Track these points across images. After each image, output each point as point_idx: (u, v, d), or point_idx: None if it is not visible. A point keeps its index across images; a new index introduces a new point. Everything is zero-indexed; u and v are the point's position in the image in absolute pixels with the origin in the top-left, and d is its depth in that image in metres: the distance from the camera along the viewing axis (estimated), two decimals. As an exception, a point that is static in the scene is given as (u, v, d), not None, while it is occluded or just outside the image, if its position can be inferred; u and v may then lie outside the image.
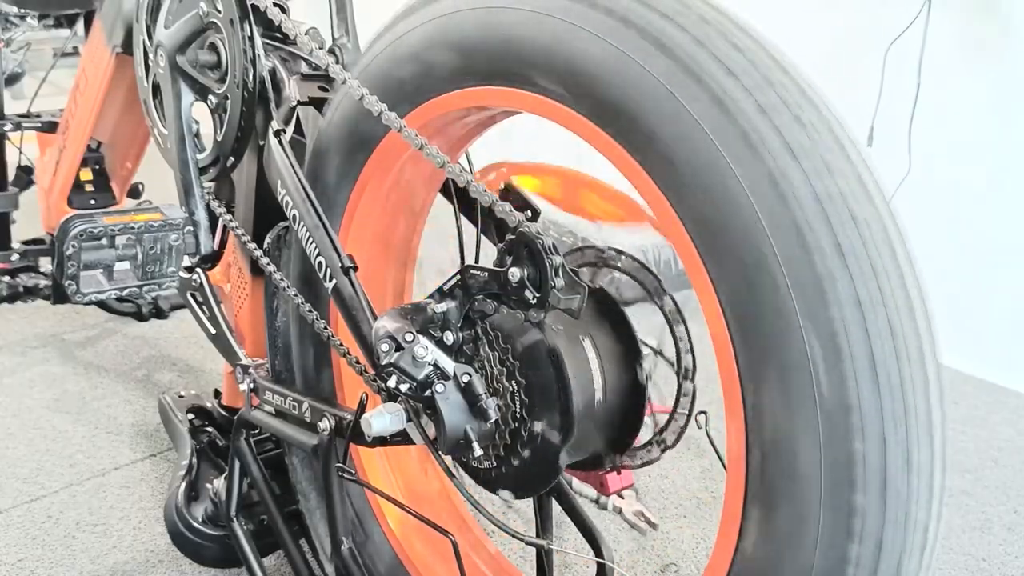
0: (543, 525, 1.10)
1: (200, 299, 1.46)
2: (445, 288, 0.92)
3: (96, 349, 2.43)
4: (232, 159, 1.32)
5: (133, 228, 1.81)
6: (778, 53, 0.80)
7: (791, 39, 1.01)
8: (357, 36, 1.45)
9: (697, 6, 0.81)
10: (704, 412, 1.00)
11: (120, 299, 2.13)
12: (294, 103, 1.31)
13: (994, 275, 2.55)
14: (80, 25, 2.28)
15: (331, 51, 1.42)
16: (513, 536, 0.95)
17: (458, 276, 0.91)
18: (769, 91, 0.76)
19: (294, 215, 1.11)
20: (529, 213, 1.13)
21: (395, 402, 0.97)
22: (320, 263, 1.05)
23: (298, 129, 1.31)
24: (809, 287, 0.70)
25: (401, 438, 0.98)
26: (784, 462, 0.73)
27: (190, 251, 1.39)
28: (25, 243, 2.21)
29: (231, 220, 1.42)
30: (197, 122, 1.38)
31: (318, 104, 1.32)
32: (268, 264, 1.29)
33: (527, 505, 1.14)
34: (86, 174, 2.10)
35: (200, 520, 1.48)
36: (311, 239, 1.07)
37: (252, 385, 1.31)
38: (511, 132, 1.14)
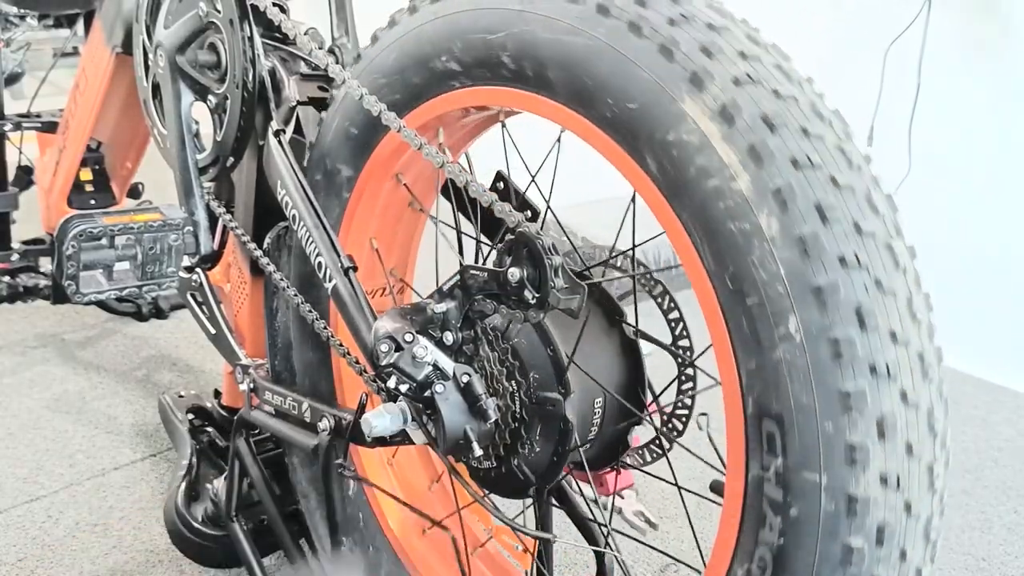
0: (543, 524, 1.10)
1: (200, 299, 1.46)
2: (445, 288, 0.92)
3: (96, 349, 2.43)
4: (232, 159, 1.32)
5: (133, 228, 1.81)
6: (783, 58, 0.80)
7: (791, 39, 1.01)
8: (357, 36, 1.45)
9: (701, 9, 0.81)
10: (704, 413, 1.00)
11: (120, 299, 2.12)
12: (294, 103, 1.31)
13: (994, 275, 2.55)
14: (80, 25, 2.28)
15: (331, 51, 1.42)
16: (517, 530, 0.96)
17: (457, 276, 0.91)
18: (743, 63, 0.76)
19: (294, 215, 1.11)
20: (528, 213, 1.13)
21: (395, 402, 0.97)
22: (320, 263, 1.05)
23: (298, 129, 1.31)
24: (808, 291, 0.70)
25: (401, 438, 0.98)
26: (781, 422, 0.73)
27: (190, 251, 1.39)
28: (25, 243, 2.20)
29: (231, 220, 1.42)
30: (197, 122, 1.38)
31: (318, 104, 1.32)
32: (268, 264, 1.29)
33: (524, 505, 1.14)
34: (86, 174, 2.09)
35: (200, 520, 1.49)
36: (311, 239, 1.07)
37: (252, 385, 1.31)
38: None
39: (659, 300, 1.03)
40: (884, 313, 0.70)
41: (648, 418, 1.02)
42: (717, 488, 0.91)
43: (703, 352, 0.92)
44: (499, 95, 0.93)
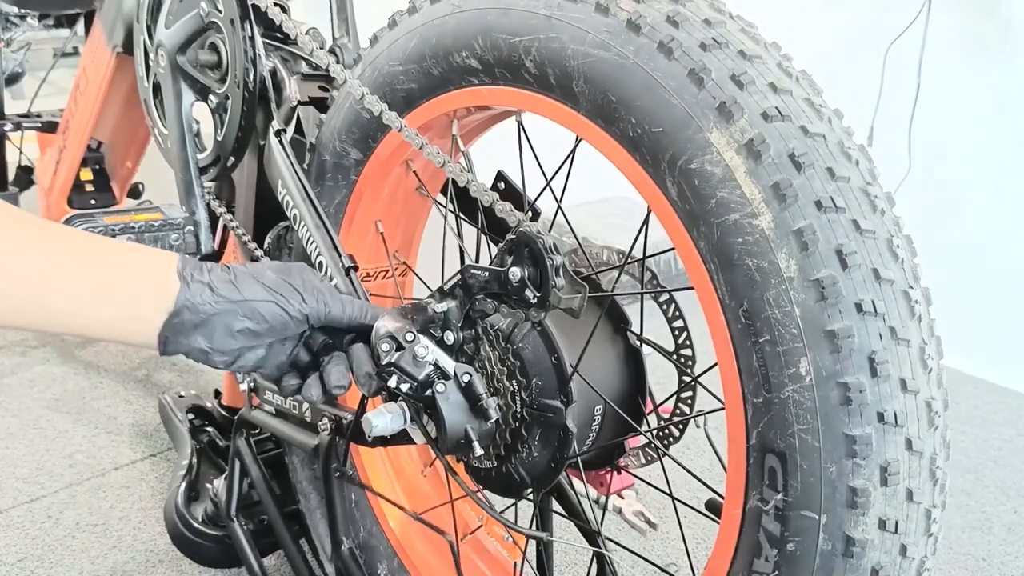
0: (543, 524, 1.10)
1: (200, 299, 1.46)
2: (446, 288, 0.92)
3: (96, 349, 2.43)
4: (232, 159, 1.32)
5: (133, 228, 1.80)
6: (814, 92, 0.80)
7: (792, 39, 1.01)
8: (357, 36, 1.45)
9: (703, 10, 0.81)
10: (704, 412, 1.00)
11: (120, 299, 2.12)
12: (294, 103, 1.31)
13: (994, 275, 2.55)
14: (80, 25, 2.28)
15: (331, 51, 1.42)
16: (516, 531, 0.96)
17: (459, 276, 0.91)
18: (773, 96, 0.75)
19: (294, 215, 1.11)
20: (530, 213, 1.13)
21: (395, 402, 0.97)
22: (320, 263, 1.05)
23: (298, 129, 1.31)
24: (822, 335, 0.70)
25: (401, 438, 0.98)
26: (784, 459, 0.73)
27: (190, 251, 1.39)
28: (25, 243, 2.20)
29: (231, 220, 1.42)
30: (197, 122, 1.38)
31: (318, 104, 1.32)
32: (268, 264, 1.29)
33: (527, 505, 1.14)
34: (86, 174, 2.10)
35: (200, 520, 1.49)
36: (311, 239, 1.07)
37: (252, 385, 1.31)
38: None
39: (664, 307, 1.03)
40: (896, 361, 0.70)
41: (646, 424, 1.02)
42: (713, 507, 0.92)
43: (707, 371, 0.92)
44: (518, 97, 0.92)
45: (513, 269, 0.83)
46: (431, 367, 0.89)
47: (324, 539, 1.38)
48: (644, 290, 1.02)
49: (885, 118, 2.67)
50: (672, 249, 0.82)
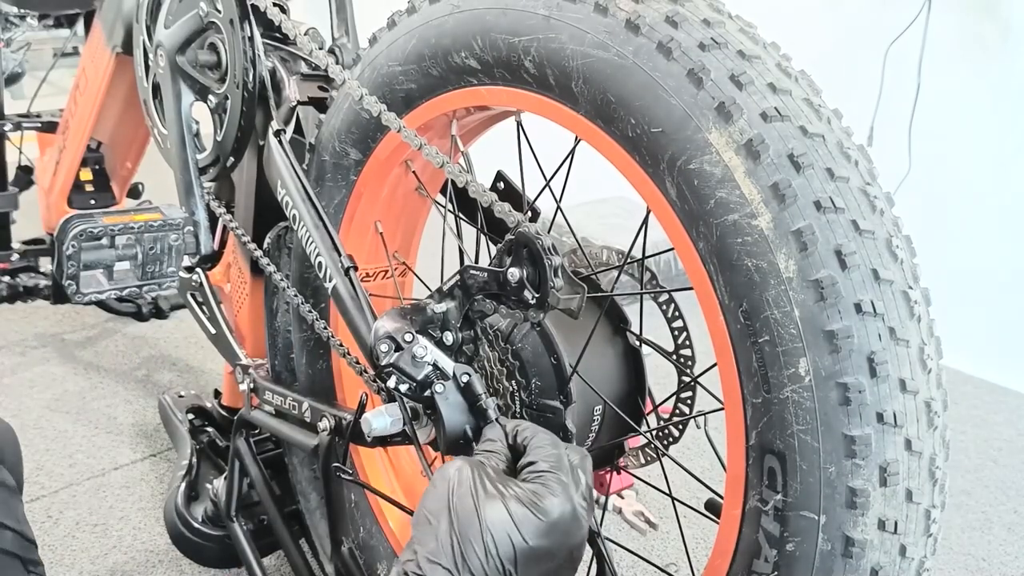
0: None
1: (200, 299, 1.46)
2: (445, 288, 0.92)
3: (96, 349, 2.43)
4: (232, 159, 1.32)
5: (133, 228, 1.80)
6: (813, 92, 0.79)
7: (792, 39, 1.01)
8: (357, 36, 1.45)
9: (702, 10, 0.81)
10: (704, 412, 1.00)
11: (120, 299, 2.12)
12: (294, 103, 1.31)
13: (994, 275, 2.55)
14: (80, 25, 2.28)
15: (331, 51, 1.42)
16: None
17: (458, 276, 0.91)
18: (772, 96, 0.75)
19: (294, 215, 1.11)
20: (529, 213, 1.13)
21: (395, 402, 0.97)
22: (320, 263, 1.05)
23: (298, 129, 1.31)
24: (821, 335, 0.70)
25: (401, 438, 0.98)
26: (783, 460, 0.73)
27: (190, 251, 1.39)
28: (25, 243, 2.21)
29: (231, 220, 1.42)
30: (197, 122, 1.38)
31: (318, 104, 1.32)
32: (268, 264, 1.29)
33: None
34: (86, 174, 2.10)
35: (200, 520, 1.49)
36: (311, 239, 1.07)
37: (252, 385, 1.31)
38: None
39: (664, 308, 1.03)
40: (895, 362, 0.70)
41: (646, 424, 1.02)
42: (713, 508, 0.91)
43: (706, 371, 0.92)
44: (517, 97, 0.92)
45: (512, 270, 0.83)
46: (430, 367, 0.89)
47: (324, 539, 1.38)
48: (643, 290, 1.02)
49: (885, 118, 2.67)
50: (671, 249, 0.82)
